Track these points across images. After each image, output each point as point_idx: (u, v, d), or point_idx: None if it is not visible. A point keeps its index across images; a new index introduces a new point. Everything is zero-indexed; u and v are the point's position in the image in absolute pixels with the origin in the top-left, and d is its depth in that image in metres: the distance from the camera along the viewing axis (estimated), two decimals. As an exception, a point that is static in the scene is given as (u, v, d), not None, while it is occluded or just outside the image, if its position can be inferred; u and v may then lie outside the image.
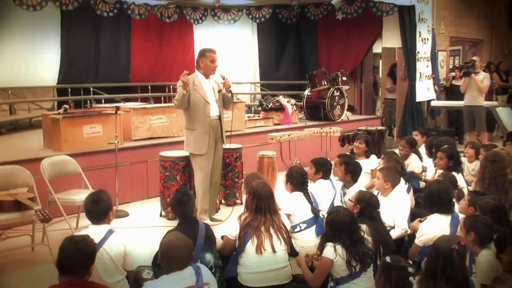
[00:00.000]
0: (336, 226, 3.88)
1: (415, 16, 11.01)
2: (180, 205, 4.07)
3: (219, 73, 6.18)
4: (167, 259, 3.18)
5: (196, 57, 6.13)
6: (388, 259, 3.22)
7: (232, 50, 13.71)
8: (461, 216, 4.31)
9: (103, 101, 11.27)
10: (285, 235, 4.14)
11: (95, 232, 3.70)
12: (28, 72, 10.81)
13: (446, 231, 4.11)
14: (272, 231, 4.08)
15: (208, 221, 5.97)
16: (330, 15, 12.44)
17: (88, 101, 11.26)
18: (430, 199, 4.30)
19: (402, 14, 10.88)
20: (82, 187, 5.86)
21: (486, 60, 14.05)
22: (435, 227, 4.15)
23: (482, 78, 10.11)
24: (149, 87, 12.61)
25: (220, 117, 6.10)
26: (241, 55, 13.93)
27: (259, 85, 14.21)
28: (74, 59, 11.51)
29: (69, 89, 11.32)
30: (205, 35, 13.45)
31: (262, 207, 4.11)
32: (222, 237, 4.41)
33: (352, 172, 5.48)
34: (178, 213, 4.12)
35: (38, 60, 11.02)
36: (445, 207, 4.22)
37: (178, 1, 12.40)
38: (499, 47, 15.48)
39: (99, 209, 3.85)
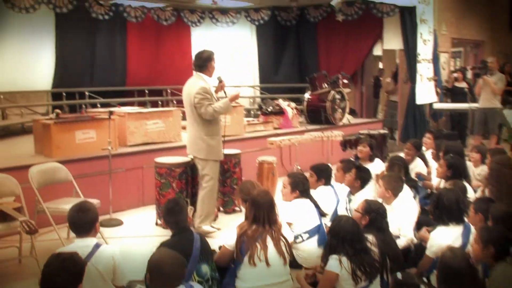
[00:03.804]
0: (337, 234, 3.64)
1: (416, 17, 10.80)
2: (172, 215, 3.83)
3: (216, 76, 5.95)
4: (158, 277, 2.93)
5: (200, 59, 5.85)
6: (399, 276, 2.98)
7: (230, 53, 13.51)
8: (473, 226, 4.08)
9: (98, 105, 11.03)
10: (284, 248, 3.89)
11: (81, 246, 3.46)
12: (22, 77, 10.56)
13: (458, 242, 3.87)
14: (269, 242, 3.83)
15: (209, 228, 5.76)
16: (330, 17, 12.18)
17: (84, 106, 11.02)
18: (440, 208, 4.05)
19: (403, 15, 10.66)
20: (73, 195, 5.61)
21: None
22: (446, 238, 3.91)
23: (497, 80, 9.86)
24: (146, 91, 12.36)
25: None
26: (240, 58, 13.70)
27: (258, 88, 13.97)
28: (69, 63, 11.25)
29: (64, 94, 11.07)
30: (203, 38, 13.21)
31: (260, 217, 3.88)
32: (220, 247, 4.15)
33: (362, 179, 5.26)
34: (171, 224, 3.88)
35: (32, 64, 10.76)
36: (456, 217, 3.97)
37: (175, 3, 12.17)
38: (500, 48, 15.27)
39: (85, 220, 3.60)
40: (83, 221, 3.58)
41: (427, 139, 7.43)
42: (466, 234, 3.91)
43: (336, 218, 3.87)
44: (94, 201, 5.40)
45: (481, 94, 10.08)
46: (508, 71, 13.02)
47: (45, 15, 10.56)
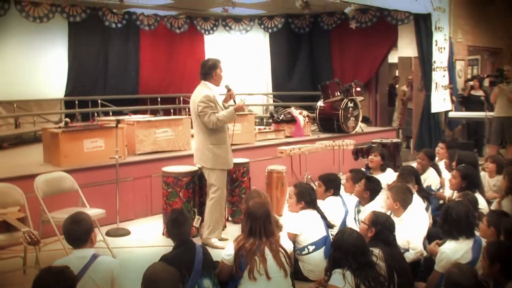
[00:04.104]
0: (340, 248, 3.54)
1: (432, 25, 10.64)
2: (175, 227, 3.76)
3: (224, 84, 5.89)
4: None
5: (204, 67, 5.76)
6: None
7: (244, 60, 13.50)
8: (484, 239, 3.94)
9: (111, 113, 11.04)
10: (284, 260, 3.77)
11: (78, 257, 3.41)
12: (35, 85, 10.67)
13: (468, 256, 3.74)
14: (267, 254, 3.72)
15: (220, 243, 5.68)
16: (344, 24, 12.10)
17: (96, 114, 11.04)
18: (449, 222, 3.90)
19: (418, 22, 10.53)
20: (79, 205, 5.55)
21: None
22: (455, 252, 3.77)
23: None
24: (159, 99, 12.35)
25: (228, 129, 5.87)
26: (253, 65, 13.68)
27: (271, 96, 13.90)
28: (82, 71, 11.32)
29: (77, 102, 11.10)
30: (216, 46, 13.22)
31: (256, 229, 3.77)
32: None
33: (372, 190, 5.10)
34: (174, 235, 3.80)
35: (45, 73, 10.87)
36: (466, 231, 3.83)
37: (188, 11, 12.18)
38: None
39: (80, 231, 3.53)
40: (78, 232, 3.51)
41: (440, 149, 7.28)
42: (476, 248, 3.77)
43: (339, 231, 3.76)
44: (99, 211, 5.41)
45: (497, 103, 9.88)
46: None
47: (59, 23, 10.69)
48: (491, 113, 10.34)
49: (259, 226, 3.77)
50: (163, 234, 6.24)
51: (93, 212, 5.29)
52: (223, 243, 5.68)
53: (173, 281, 2.89)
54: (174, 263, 3.56)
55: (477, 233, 3.98)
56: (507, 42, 14.80)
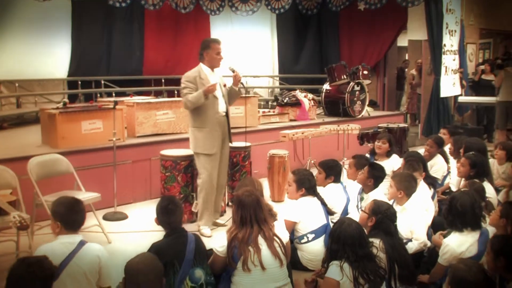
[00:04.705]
0: (338, 238, 3.37)
1: (443, 7, 10.34)
2: (166, 214, 3.60)
3: (227, 66, 5.68)
4: (132, 284, 2.70)
5: (200, 48, 5.59)
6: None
7: (250, 42, 13.26)
8: (491, 230, 3.75)
9: (113, 94, 10.88)
10: (279, 249, 3.60)
11: (64, 243, 3.27)
12: (38, 65, 10.52)
13: (474, 249, 3.56)
14: (262, 244, 3.56)
15: (206, 230, 5.52)
16: (352, 6, 11.84)
17: (99, 95, 10.89)
18: (453, 214, 3.72)
19: (429, 4, 10.23)
20: (75, 188, 5.42)
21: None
22: (461, 244, 3.60)
23: None
24: (163, 80, 12.16)
25: (227, 114, 5.59)
26: (260, 47, 13.43)
27: (277, 78, 13.67)
28: (85, 51, 11.16)
29: (80, 82, 10.95)
30: (222, 27, 12.98)
31: (247, 218, 3.60)
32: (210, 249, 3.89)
33: (376, 177, 4.90)
34: (164, 223, 3.64)
35: (48, 52, 10.70)
36: (471, 223, 3.65)
37: (194, -9, 11.93)
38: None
39: (80, 218, 3.44)
40: (74, 220, 3.39)
41: (443, 135, 7.07)
42: (483, 241, 3.58)
43: (338, 221, 3.58)
44: (94, 195, 5.28)
45: (502, 87, 9.63)
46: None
47: (62, 2, 10.54)
48: (502, 98, 10.11)
49: (250, 214, 3.60)
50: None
51: (88, 195, 5.18)
52: (210, 231, 5.55)
53: (155, 274, 2.73)
54: (164, 252, 3.44)
55: (484, 225, 3.79)
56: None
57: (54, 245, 3.28)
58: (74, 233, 3.35)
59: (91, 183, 5.78)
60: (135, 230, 5.71)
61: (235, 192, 4.14)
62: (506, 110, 9.58)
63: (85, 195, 5.14)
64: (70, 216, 3.38)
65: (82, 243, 3.31)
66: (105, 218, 6.00)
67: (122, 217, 6.14)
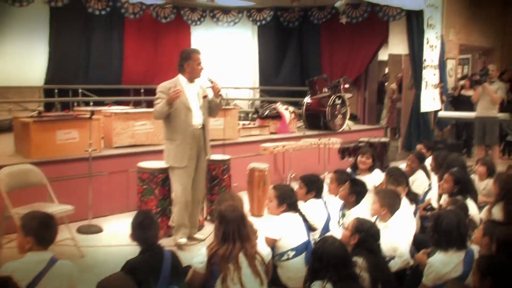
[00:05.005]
0: (321, 257, 3.25)
1: (424, 22, 10.39)
2: (141, 230, 3.45)
3: (206, 77, 5.56)
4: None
5: (179, 59, 5.45)
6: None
7: (231, 53, 13.19)
8: (476, 249, 3.67)
9: (91, 103, 10.68)
10: (260, 267, 3.47)
11: (34, 261, 3.09)
12: (14, 72, 10.29)
13: (459, 269, 3.47)
14: (242, 261, 3.42)
15: (182, 239, 5.37)
16: (334, 19, 11.84)
17: (76, 103, 10.67)
18: (439, 232, 3.62)
19: (410, 19, 10.27)
20: (47, 200, 5.23)
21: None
22: (446, 264, 3.50)
23: (496, 88, 9.44)
24: (142, 90, 11.98)
25: (204, 126, 5.45)
26: (241, 58, 13.35)
27: (258, 91, 13.58)
28: (63, 59, 10.96)
29: (56, 90, 10.72)
30: (203, 37, 12.89)
31: (230, 234, 3.46)
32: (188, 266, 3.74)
33: (358, 193, 4.80)
34: (140, 239, 3.48)
35: (24, 59, 10.48)
36: (457, 242, 3.55)
37: (175, 1, 11.83)
38: (511, 55, 14.80)
39: (52, 235, 3.27)
40: (46, 236, 3.21)
41: (419, 150, 7.04)
42: (468, 261, 3.49)
43: (320, 239, 3.47)
44: (68, 207, 5.10)
45: (479, 102, 9.67)
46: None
47: (39, 9, 10.29)
48: (482, 114, 10.14)
49: (233, 230, 3.47)
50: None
51: (61, 208, 5.00)
52: (186, 240, 5.43)
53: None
54: (139, 269, 3.29)
55: (469, 244, 3.71)
56: (499, 42, 14.60)
57: (24, 262, 3.11)
58: (45, 250, 3.18)
59: (65, 194, 5.62)
60: (109, 244, 5.52)
61: (214, 206, 4.01)
62: (484, 126, 9.61)
63: (57, 208, 4.96)
64: (42, 232, 3.20)
65: (53, 261, 3.14)
66: (79, 231, 5.81)
67: (97, 230, 5.95)
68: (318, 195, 4.88)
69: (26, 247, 3.15)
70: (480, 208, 5.33)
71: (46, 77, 10.80)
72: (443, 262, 3.53)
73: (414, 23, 10.28)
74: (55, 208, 4.93)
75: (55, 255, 3.22)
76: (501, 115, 10.15)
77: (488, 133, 9.57)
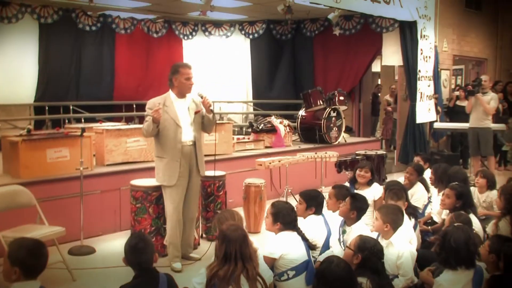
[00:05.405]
0: (325, 280, 3.10)
1: (417, 33, 10.34)
2: (135, 254, 3.27)
3: (196, 92, 5.42)
4: None
5: (169, 73, 5.32)
6: None
7: (223, 67, 13.06)
8: (484, 267, 3.53)
9: (83, 120, 10.52)
10: None
11: (21, 291, 2.91)
12: (3, 89, 10.10)
13: (468, 289, 3.33)
14: (243, 285, 3.27)
15: (177, 265, 5.20)
16: (327, 31, 11.81)
17: (67, 121, 10.50)
18: (447, 250, 3.46)
19: (403, 30, 10.21)
20: (37, 221, 5.05)
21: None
22: (454, 284, 3.36)
23: (489, 99, 9.37)
24: (134, 106, 11.83)
25: (195, 143, 5.29)
26: (233, 72, 13.24)
27: (252, 104, 13.47)
28: (53, 75, 10.78)
29: (47, 108, 10.55)
30: (195, 51, 12.79)
31: (232, 254, 3.31)
32: None
33: (359, 209, 4.64)
34: (133, 264, 3.30)
35: (13, 76, 10.31)
36: (466, 261, 3.41)
37: (167, 15, 11.73)
38: (504, 66, 14.80)
39: (42, 264, 3.06)
40: (36, 266, 3.02)
41: (417, 162, 6.92)
42: (477, 280, 3.35)
43: (325, 260, 3.30)
44: (59, 229, 4.92)
45: (472, 113, 9.59)
46: (510, 91, 12.47)
47: (28, 25, 10.22)
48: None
49: (235, 250, 3.32)
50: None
51: (51, 230, 4.82)
52: (181, 265, 5.24)
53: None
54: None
55: (477, 262, 3.57)
56: (493, 53, 14.60)
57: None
58: (33, 279, 3.00)
59: (56, 215, 5.46)
60: (102, 266, 5.33)
61: (213, 224, 3.86)
62: (477, 137, 9.52)
63: (47, 230, 4.79)
64: (30, 262, 2.98)
65: (41, 290, 2.97)
66: (71, 252, 5.62)
67: (89, 251, 5.76)
68: (318, 211, 4.74)
69: (12, 277, 2.95)
70: (481, 221, 5.20)
71: (36, 94, 10.62)
72: (452, 281, 3.38)
73: (408, 34, 10.22)
74: (45, 230, 4.75)
75: (44, 284, 3.04)
76: (496, 126, 10.08)
77: (482, 143, 9.48)
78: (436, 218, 5.73)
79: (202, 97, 5.27)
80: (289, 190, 7.10)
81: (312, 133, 9.62)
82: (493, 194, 5.92)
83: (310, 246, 4.34)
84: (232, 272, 3.29)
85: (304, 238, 4.29)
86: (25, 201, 5.03)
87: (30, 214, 5.12)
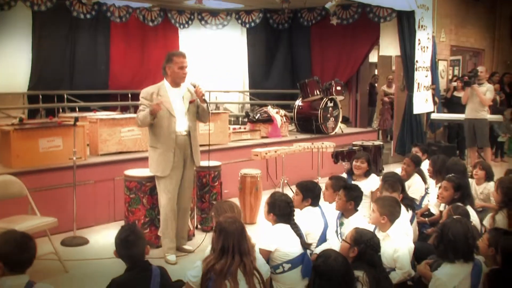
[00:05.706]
0: (322, 274, 3.04)
1: (415, 23, 10.24)
2: (126, 247, 3.20)
3: (189, 81, 5.32)
4: None
5: (164, 62, 5.23)
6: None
7: (220, 57, 12.94)
8: (482, 260, 3.47)
9: (77, 109, 10.40)
10: (258, 285, 3.25)
11: (10, 286, 2.83)
12: (-5, 77, 9.95)
13: (467, 282, 3.26)
14: (240, 279, 3.20)
15: (171, 257, 5.13)
16: (324, 21, 11.69)
17: (61, 110, 10.38)
18: (445, 243, 3.39)
19: (401, 20, 10.12)
20: (29, 212, 4.97)
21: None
22: (453, 277, 3.30)
23: (486, 90, 9.30)
24: (129, 95, 11.71)
25: (189, 133, 5.20)
26: (230, 61, 13.12)
27: (248, 94, 13.37)
28: (47, 64, 10.60)
29: (41, 96, 10.42)
30: (191, 40, 12.63)
31: (229, 247, 3.23)
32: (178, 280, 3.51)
33: (355, 198, 4.56)
34: (125, 257, 3.23)
35: (6, 65, 10.12)
36: (464, 254, 3.34)
37: (162, 3, 11.59)
38: (501, 58, 14.74)
39: (29, 258, 2.97)
40: (22, 261, 2.94)
41: (415, 153, 6.86)
42: (476, 273, 3.29)
43: (322, 254, 3.23)
44: (50, 220, 4.84)
45: (468, 104, 9.52)
46: (507, 82, 12.42)
47: (21, 13, 9.97)
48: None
49: (232, 244, 3.23)
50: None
51: (42, 221, 4.74)
52: (175, 257, 5.17)
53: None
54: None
55: (476, 256, 3.50)
56: (490, 43, 14.52)
57: (-3, 289, 2.86)
58: (21, 273, 2.92)
59: (48, 205, 5.41)
60: (95, 257, 5.26)
61: (210, 215, 3.78)
62: (473, 128, 9.46)
63: (39, 221, 4.71)
64: (17, 257, 2.91)
65: (30, 285, 2.88)
66: (63, 243, 5.56)
67: (82, 242, 5.70)
68: (315, 203, 4.66)
69: None
70: (478, 213, 5.14)
71: (30, 83, 10.46)
72: (450, 274, 3.32)
73: (405, 24, 10.13)
74: (37, 221, 4.68)
75: (35, 276, 2.98)
76: (493, 117, 10.02)
77: (478, 135, 9.42)
78: (434, 210, 5.67)
79: (195, 86, 5.18)
80: (285, 181, 7.03)
81: (308, 123, 9.55)
82: (491, 186, 5.85)
83: (303, 245, 4.23)
84: (229, 266, 3.21)
85: (299, 235, 4.19)
86: (16, 191, 4.95)
87: (21, 204, 5.04)
